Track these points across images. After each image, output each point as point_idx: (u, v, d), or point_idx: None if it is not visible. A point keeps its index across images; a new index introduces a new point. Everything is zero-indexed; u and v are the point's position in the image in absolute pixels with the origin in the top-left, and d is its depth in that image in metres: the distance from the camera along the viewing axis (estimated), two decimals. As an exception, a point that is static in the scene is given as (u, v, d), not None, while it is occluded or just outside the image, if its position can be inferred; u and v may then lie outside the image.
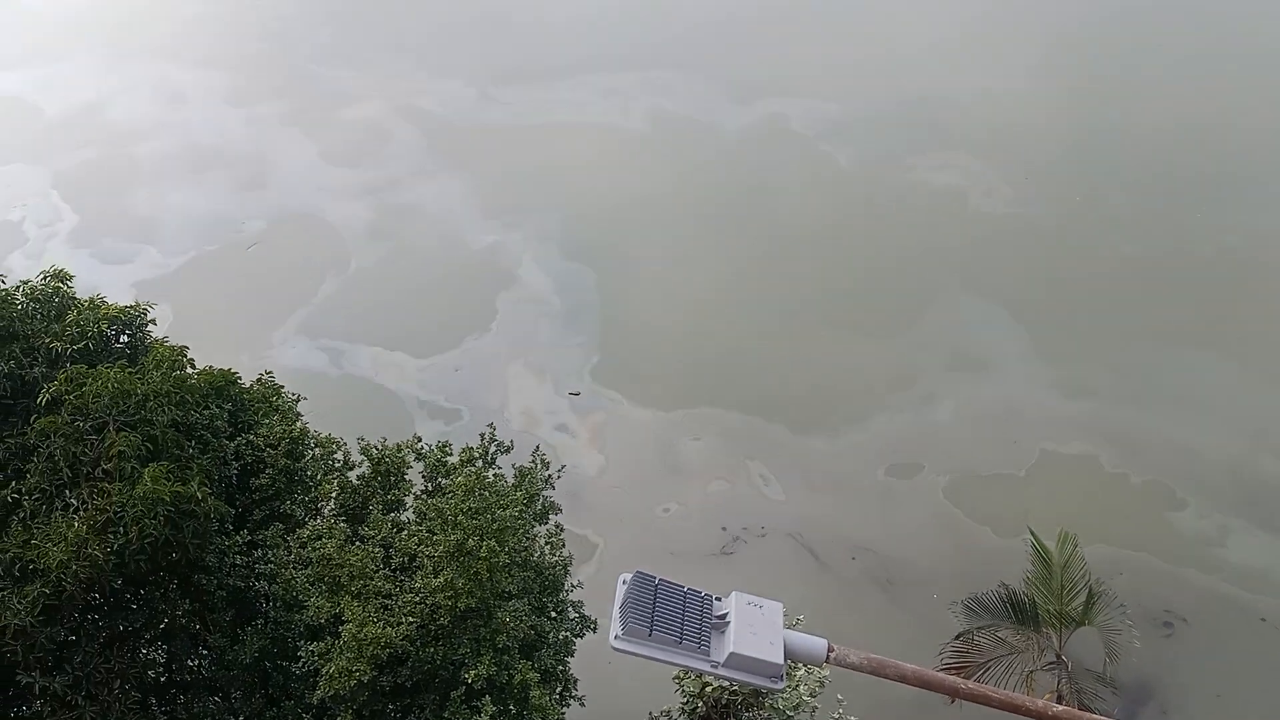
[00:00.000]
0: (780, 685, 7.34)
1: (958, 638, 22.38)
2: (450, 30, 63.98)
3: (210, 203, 49.61)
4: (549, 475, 22.09)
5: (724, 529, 33.79)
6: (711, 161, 52.65)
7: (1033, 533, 22.34)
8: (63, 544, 17.12)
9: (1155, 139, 53.28)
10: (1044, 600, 21.12)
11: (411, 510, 21.47)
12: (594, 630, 21.93)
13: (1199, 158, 51.42)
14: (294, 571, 19.62)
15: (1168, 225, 47.47)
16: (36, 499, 17.90)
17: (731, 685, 20.01)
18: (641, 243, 46.72)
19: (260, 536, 20.31)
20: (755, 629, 7.40)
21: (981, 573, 27.39)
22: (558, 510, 22.00)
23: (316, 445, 21.51)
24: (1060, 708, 9.10)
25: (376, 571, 19.68)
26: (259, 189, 50.72)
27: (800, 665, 19.96)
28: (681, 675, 20.62)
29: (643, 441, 37.13)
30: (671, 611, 7.44)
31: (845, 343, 41.62)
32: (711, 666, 7.35)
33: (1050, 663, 21.55)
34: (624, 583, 7.65)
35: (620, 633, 7.33)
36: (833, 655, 7.51)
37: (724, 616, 7.47)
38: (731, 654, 7.25)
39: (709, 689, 20.10)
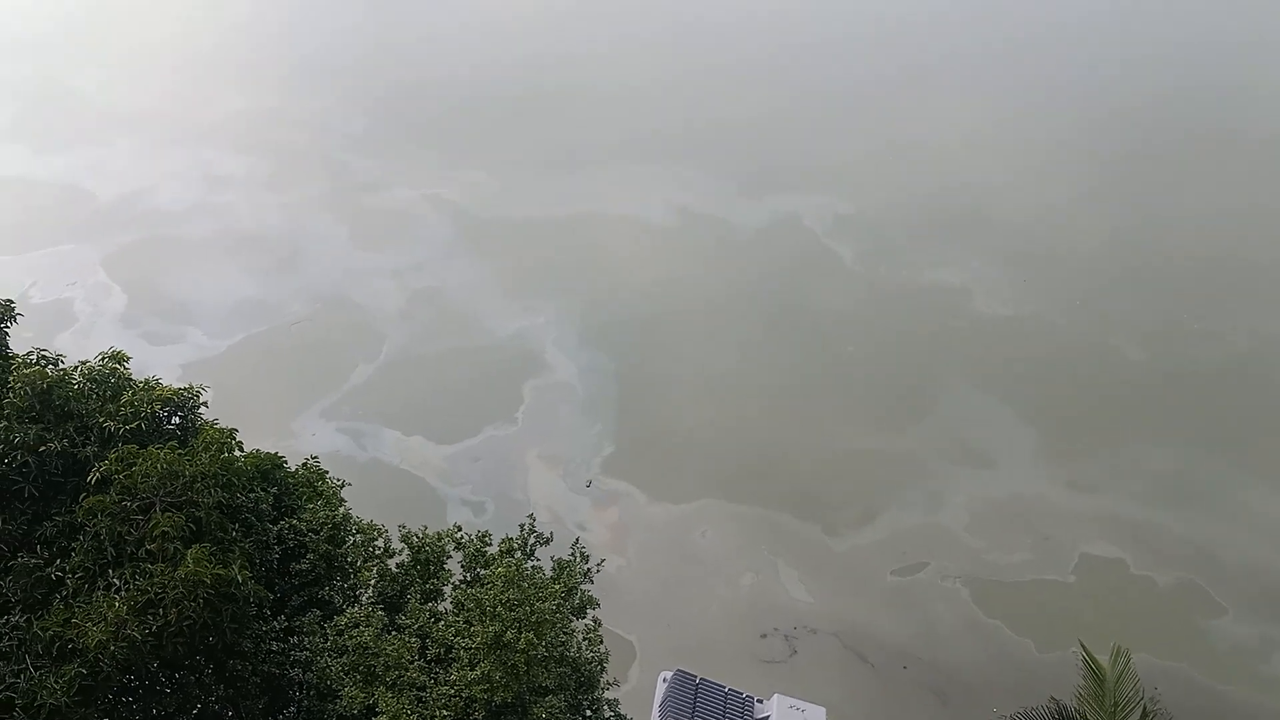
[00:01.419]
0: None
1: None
2: (475, 124, 67.12)
3: (249, 286, 51.60)
4: (588, 569, 21.70)
5: (764, 635, 33.13)
6: (727, 255, 54.20)
7: (1084, 646, 21.11)
8: (102, 624, 17.14)
9: (1158, 242, 54.06)
10: (1096, 717, 19.81)
11: (450, 600, 21.20)
12: (631, 731, 21.23)
13: (1203, 262, 51.79)
14: (329, 659, 19.39)
15: (1172, 329, 47.81)
16: (79, 577, 18.04)
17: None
18: (658, 334, 47.95)
19: (298, 622, 20.19)
20: (797, 734, 7.08)
21: (1026, 683, 26.53)
22: (595, 605, 21.54)
23: (358, 531, 21.50)
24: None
25: (412, 662, 19.39)
26: (293, 272, 52.80)
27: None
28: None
29: (660, 535, 37.02)
30: (712, 712, 7.22)
31: (856, 437, 41.91)
32: (752, 770, 7.02)
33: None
34: (664, 681, 7.44)
35: None
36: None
37: (766, 719, 7.20)
38: (772, 757, 6.92)
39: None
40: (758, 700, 7.32)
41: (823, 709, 7.13)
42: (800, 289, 51.15)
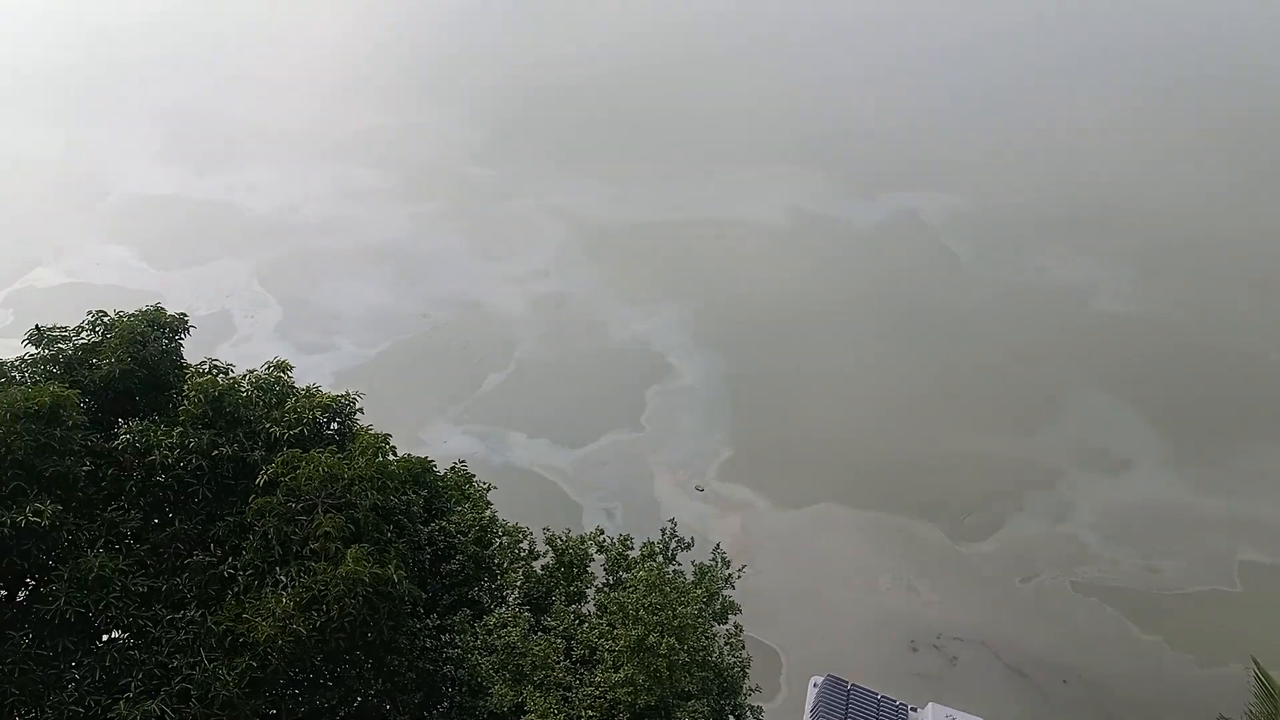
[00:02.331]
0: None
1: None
2: (593, 134, 68.57)
3: (385, 295, 53.64)
4: (729, 575, 21.76)
5: (911, 642, 32.47)
6: (845, 256, 53.99)
7: (1258, 665, 20.00)
8: (271, 619, 18.03)
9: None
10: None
11: (593, 602, 21.57)
12: (774, 738, 21.17)
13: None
14: (479, 657, 19.99)
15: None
16: (249, 575, 19.03)
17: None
18: (776, 336, 47.92)
19: (449, 621, 20.87)
20: (955, 743, 7.00)
21: (1189, 701, 25.34)
22: (737, 610, 21.57)
23: (504, 534, 22.08)
24: None
25: (558, 663, 19.82)
26: (425, 282, 54.65)
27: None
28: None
29: (784, 540, 36.85)
30: (865, 719, 7.15)
31: (978, 440, 41.02)
32: (907, 780, 6.99)
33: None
34: (815, 686, 7.44)
35: None
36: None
37: None
38: (929, 768, 6.87)
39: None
40: (912, 709, 7.18)
41: (980, 719, 6.96)
42: (918, 289, 50.62)
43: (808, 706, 6.65)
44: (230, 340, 48.07)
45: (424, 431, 42.29)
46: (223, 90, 76.46)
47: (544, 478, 40.51)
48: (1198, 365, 44.06)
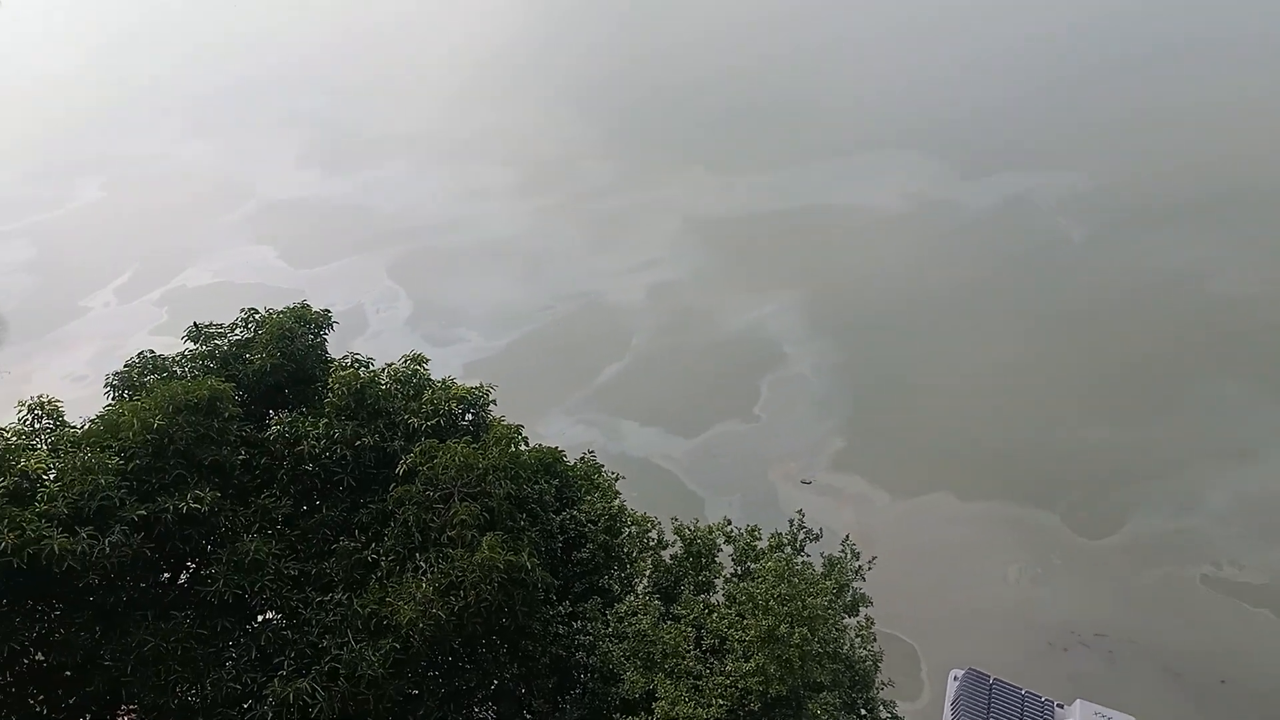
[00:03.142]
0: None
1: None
2: (702, 128, 68.51)
3: (507, 289, 54.96)
4: (859, 566, 21.53)
5: (1050, 640, 31.51)
6: (959, 241, 52.70)
7: None
8: (412, 603, 18.70)
9: None
10: None
11: (722, 592, 21.65)
12: (907, 732, 20.89)
13: None
14: (611, 645, 20.31)
15: None
16: (391, 560, 19.79)
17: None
18: (890, 323, 47.36)
19: (580, 608, 21.27)
20: (1104, 743, 6.83)
21: None
22: (868, 603, 21.34)
23: (633, 523, 22.35)
24: None
25: (689, 651, 19.97)
26: (543, 276, 55.89)
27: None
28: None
29: (902, 531, 36.09)
30: (1008, 714, 7.04)
31: (1096, 427, 39.56)
32: (1054, 779, 6.85)
33: None
34: (955, 679, 7.33)
35: None
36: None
37: None
38: (1077, 767, 6.72)
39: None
40: (1058, 705, 6.97)
41: (1131, 718, 6.72)
42: (1034, 273, 49.32)
43: (948, 699, 6.52)
44: (364, 334, 49.87)
45: (542, 421, 43.11)
46: (354, 99, 79.44)
47: (661, 467, 40.80)
48: None
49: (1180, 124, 59.20)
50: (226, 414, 20.10)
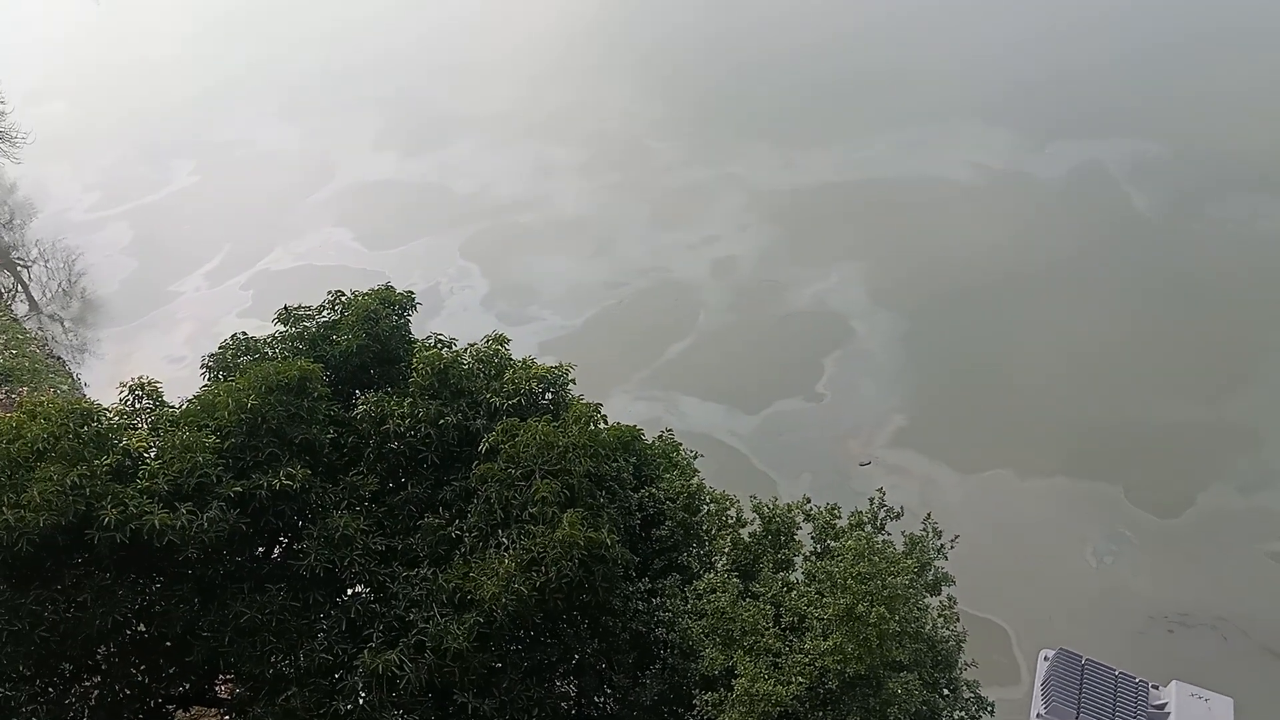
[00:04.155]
0: (1234, 789, 6.58)
1: None
2: (765, 102, 67.94)
3: (581, 267, 55.36)
4: (941, 545, 21.35)
5: (1143, 620, 30.86)
6: (1028, 211, 51.64)
7: None
8: (495, 578, 19.12)
9: None
10: None
11: (801, 571, 21.66)
12: (991, 714, 20.69)
13: None
14: (690, 621, 20.49)
15: None
16: (474, 536, 20.23)
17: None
18: (956, 295, 46.54)
19: (660, 585, 21.48)
20: (1201, 724, 6.74)
21: None
22: (951, 582, 21.15)
23: (711, 501, 22.46)
24: None
25: (767, 629, 20.03)
26: (612, 253, 56.26)
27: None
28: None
29: (971, 511, 35.23)
30: (1101, 694, 6.99)
31: (1169, 403, 38.70)
32: (1150, 760, 6.77)
33: None
34: (1045, 659, 7.29)
35: (1044, 711, 6.98)
36: (1289, 761, 6.62)
37: (1162, 707, 6.88)
38: (1174, 748, 6.64)
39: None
40: (1153, 686, 6.92)
41: (1230, 700, 6.64)
42: (1106, 243, 48.24)
43: (1038, 680, 6.51)
44: (440, 314, 50.58)
45: (607, 399, 43.23)
46: (430, 82, 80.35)
47: (728, 445, 40.71)
48: None
49: (1261, 93, 56.96)
50: (316, 394, 20.69)
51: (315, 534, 19.86)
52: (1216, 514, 34.39)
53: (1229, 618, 30.34)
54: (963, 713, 20.57)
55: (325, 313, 23.32)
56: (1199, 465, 36.27)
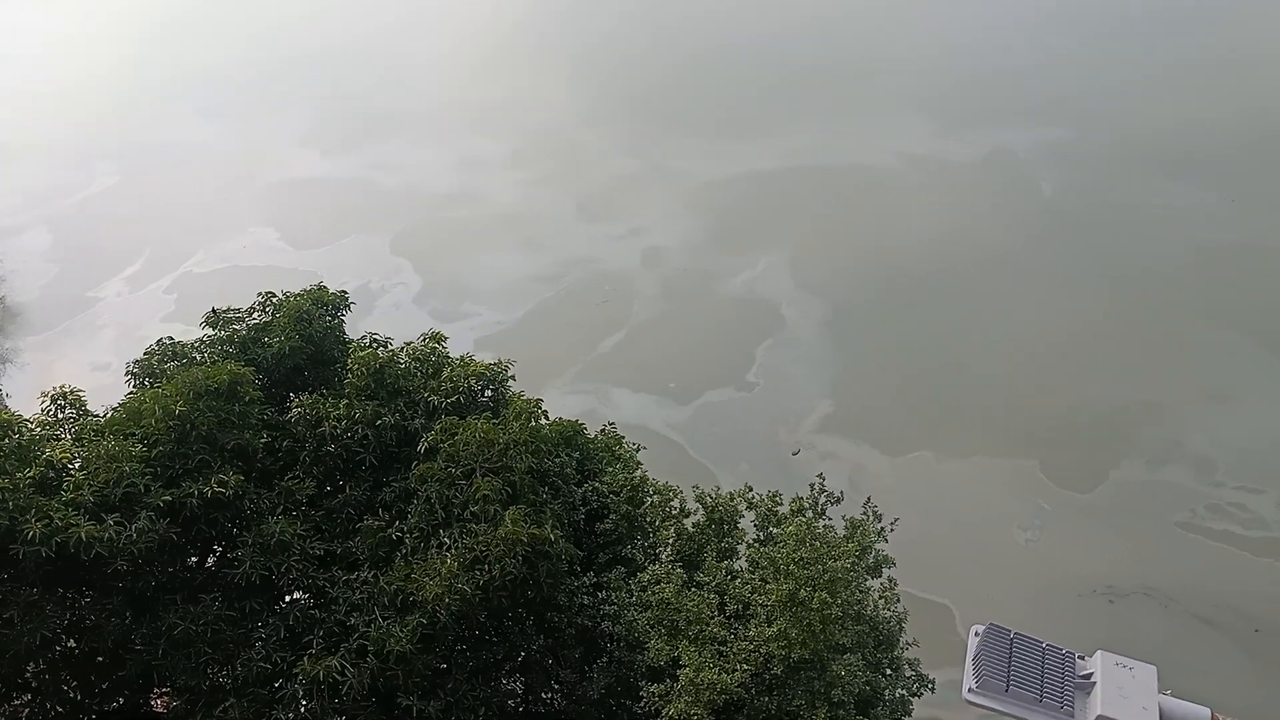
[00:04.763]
0: (1157, 755, 6.77)
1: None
2: (690, 94, 68.55)
3: (513, 262, 54.81)
4: (881, 528, 21.67)
5: (1075, 594, 31.70)
6: (951, 198, 52.81)
7: None
8: (437, 579, 18.95)
9: None
10: None
11: (744, 558, 21.82)
12: (931, 690, 21.07)
13: None
14: (635, 613, 20.51)
15: None
16: (416, 537, 20.02)
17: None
18: (879, 282, 47.45)
19: (605, 579, 21.47)
20: (1125, 692, 6.91)
21: None
22: (891, 564, 21.49)
23: (655, 492, 22.50)
24: None
25: (712, 618, 20.14)
26: (546, 247, 55.77)
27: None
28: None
29: (907, 492, 35.87)
30: (1030, 667, 7.09)
31: (1089, 381, 39.83)
32: (1077, 728, 6.94)
33: None
34: (976, 634, 7.39)
35: (975, 685, 7.07)
36: (1217, 725, 6.86)
37: (1089, 677, 7.02)
38: (1100, 717, 6.80)
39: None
40: (1079, 656, 7.11)
41: (1153, 668, 6.86)
42: (1024, 229, 49.60)
43: (969, 655, 6.66)
44: (374, 313, 49.83)
45: (541, 393, 43.26)
46: (358, 79, 79.17)
47: (664, 436, 40.78)
48: None
49: (1170, 83, 59.32)
50: (247, 398, 20.28)
51: (250, 541, 19.49)
52: (1128, 487, 35.58)
53: (1156, 587, 31.34)
54: (904, 690, 20.94)
55: (255, 315, 22.87)
56: (1110, 441, 37.47)
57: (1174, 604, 30.81)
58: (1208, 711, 6.77)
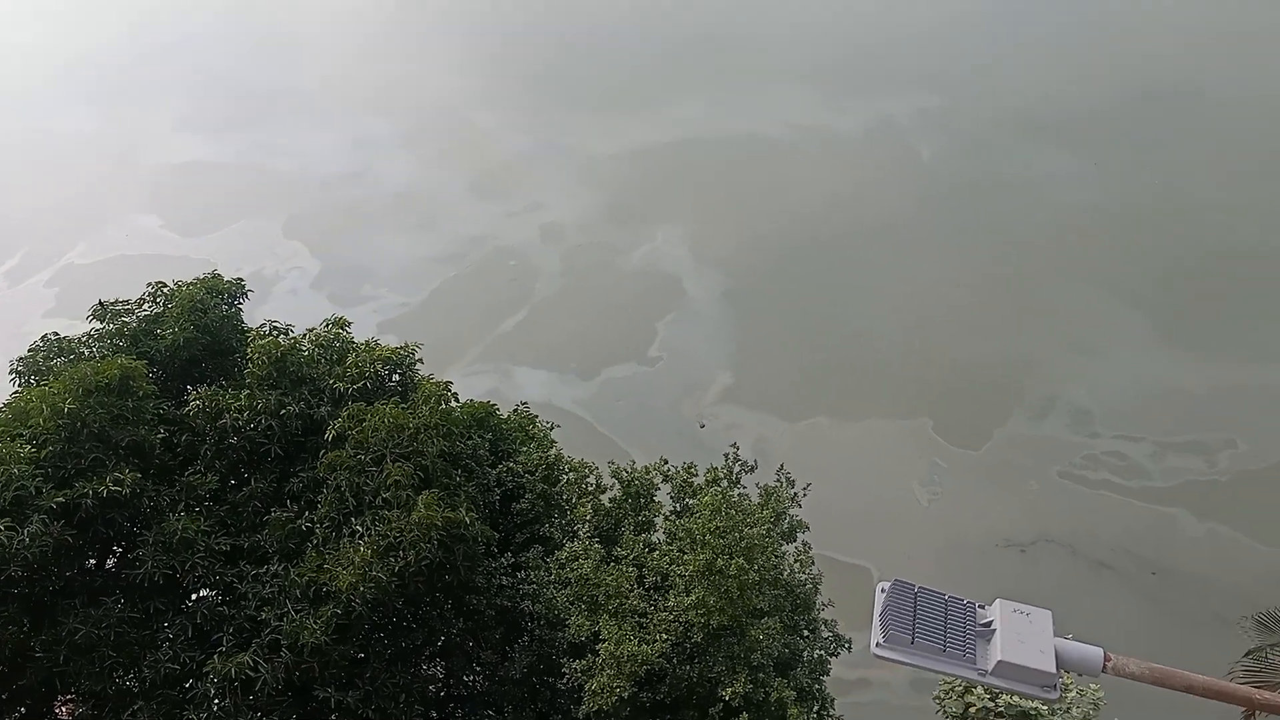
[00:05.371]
0: (1054, 695, 7.05)
1: (1247, 655, 20.45)
2: (580, 70, 68.43)
3: (411, 242, 53.92)
4: (794, 494, 22.05)
5: (980, 550, 32.81)
6: (837, 167, 54.07)
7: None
8: (351, 568, 18.60)
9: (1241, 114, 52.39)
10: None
11: (662, 531, 21.98)
12: (848, 649, 21.60)
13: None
14: (555, 591, 20.52)
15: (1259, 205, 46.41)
16: (326, 527, 19.60)
17: (997, 707, 19.17)
18: (772, 251, 48.21)
19: (523, 558, 21.41)
20: (1023, 637, 7.14)
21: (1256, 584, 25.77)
22: (805, 528, 21.91)
23: (570, 470, 22.47)
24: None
25: (631, 591, 20.27)
26: (444, 227, 55.06)
27: (1073, 686, 18.88)
28: (942, 696, 19.96)
29: (807, 456, 36.58)
30: (934, 619, 7.27)
31: (966, 341, 41.32)
32: (979, 675, 7.15)
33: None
34: (883, 591, 7.54)
35: (882, 640, 7.24)
36: (1110, 665, 7.14)
37: (989, 624, 7.24)
38: (1000, 662, 7.02)
39: (973, 710, 19.31)
40: (980, 606, 7.38)
41: (1048, 612, 7.19)
42: (900, 194, 50.94)
43: (875, 611, 6.86)
44: (270, 300, 48.30)
45: (447, 374, 42.80)
46: (242, 58, 76.43)
47: (573, 413, 40.67)
48: (1162, 245, 45.44)
49: (1038, 54, 61.78)
50: (141, 392, 19.50)
51: (151, 540, 18.81)
52: (1017, 442, 36.96)
53: (1056, 537, 32.63)
54: (822, 650, 21.40)
55: (146, 306, 21.95)
56: (995, 398, 38.88)
57: (1076, 552, 32.15)
58: (1100, 651, 7.07)
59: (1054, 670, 6.98)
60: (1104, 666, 7.13)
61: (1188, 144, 52.19)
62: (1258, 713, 17.73)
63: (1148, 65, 58.94)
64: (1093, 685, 18.86)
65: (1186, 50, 59.72)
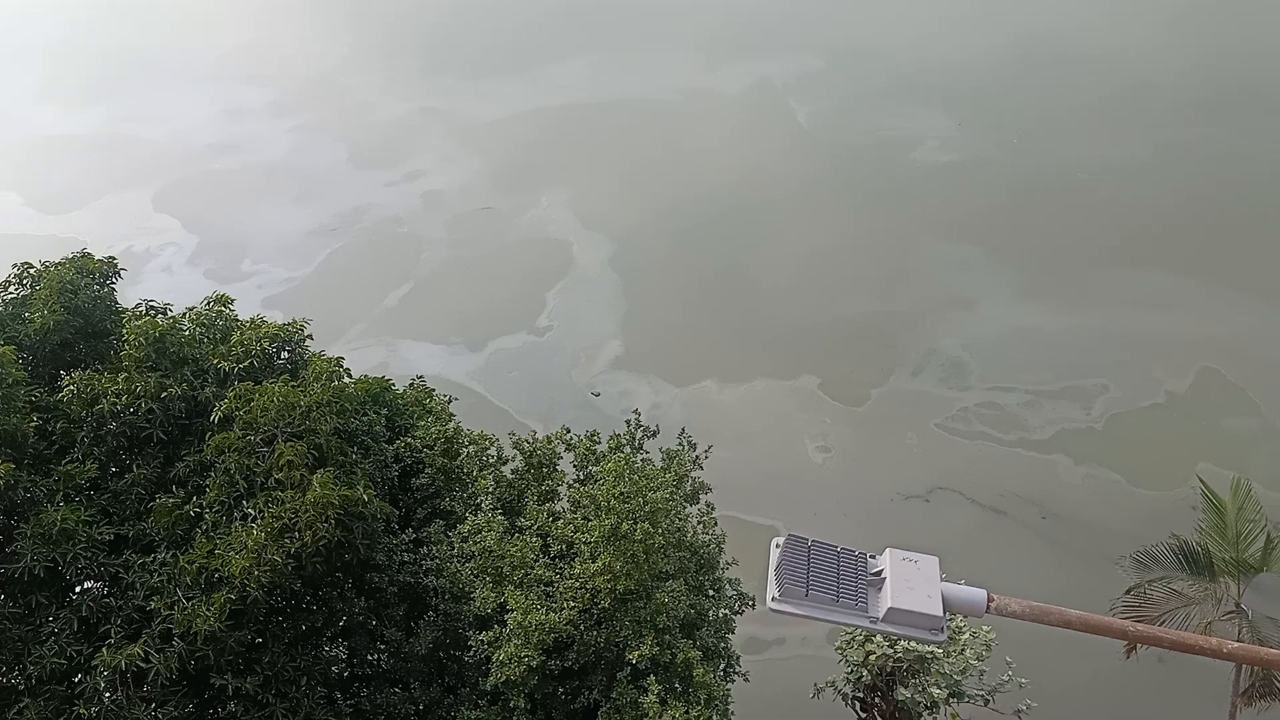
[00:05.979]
0: (942, 637, 7.29)
1: (1128, 592, 21.62)
2: (453, 34, 68.26)
3: (288, 214, 52.69)
4: (696, 456, 22.25)
5: (879, 501, 33.72)
6: (715, 128, 55.10)
7: (1202, 481, 21.44)
8: (244, 552, 18.03)
9: (1087, 62, 55.69)
10: (1219, 549, 20.25)
11: (566, 499, 21.93)
12: (752, 607, 22.01)
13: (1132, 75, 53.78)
14: (459, 565, 20.30)
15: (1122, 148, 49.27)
16: (217, 511, 18.94)
17: (896, 654, 19.83)
18: (656, 214, 48.73)
19: (424, 534, 21.11)
20: (912, 583, 7.35)
21: (1139, 522, 27.22)
22: (707, 490, 22.16)
23: (470, 443, 22.20)
24: (1234, 644, 8.78)
25: (536, 560, 20.20)
26: (321, 197, 53.91)
27: (966, 629, 19.63)
28: (844, 646, 20.55)
29: (709, 417, 37.26)
30: (827, 571, 7.42)
31: (847, 300, 42.67)
32: (871, 622, 7.34)
33: (1229, 612, 20.66)
34: (777, 546, 7.66)
35: (777, 594, 7.37)
36: (993, 605, 7.42)
37: (879, 573, 7.43)
38: (890, 609, 7.22)
39: (873, 657, 19.94)
40: (870, 556, 7.63)
41: (935, 558, 7.47)
42: (784, 156, 51.88)
43: (771, 565, 7.00)
44: (143, 278, 46.37)
45: (334, 348, 41.82)
46: (94, 27, 72.52)
47: (464, 386, 40.16)
48: (1029, 201, 47.38)
49: (907, 16, 63.28)
50: (10, 379, 18.45)
51: (29, 532, 17.91)
52: (900, 395, 38.21)
53: (946, 486, 33.82)
54: (727, 609, 21.73)
55: (12, 288, 20.77)
56: (876, 354, 40.08)
57: (972, 500, 33.37)
58: (984, 593, 7.36)
59: (940, 614, 7.21)
60: (988, 607, 7.40)
61: (1050, 100, 54.23)
62: (1138, 645, 18.77)
63: (1019, 22, 60.98)
64: (985, 628, 19.66)
65: (1057, 6, 62.00)
